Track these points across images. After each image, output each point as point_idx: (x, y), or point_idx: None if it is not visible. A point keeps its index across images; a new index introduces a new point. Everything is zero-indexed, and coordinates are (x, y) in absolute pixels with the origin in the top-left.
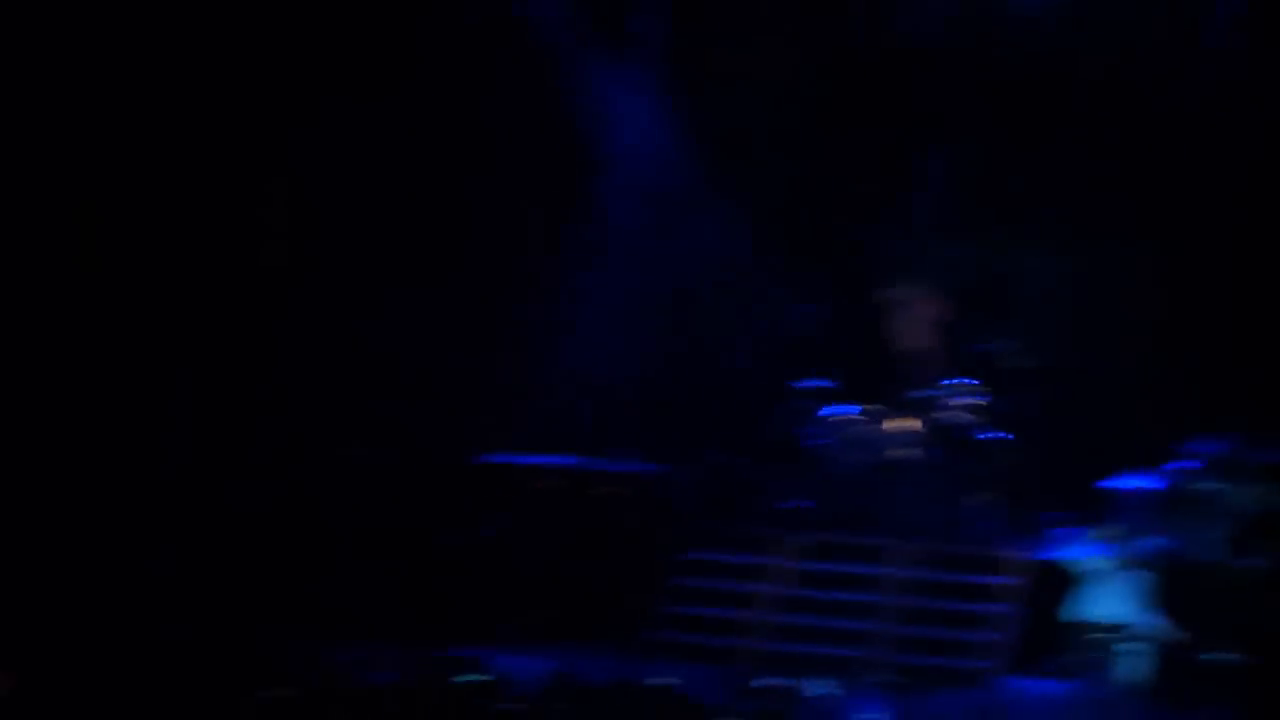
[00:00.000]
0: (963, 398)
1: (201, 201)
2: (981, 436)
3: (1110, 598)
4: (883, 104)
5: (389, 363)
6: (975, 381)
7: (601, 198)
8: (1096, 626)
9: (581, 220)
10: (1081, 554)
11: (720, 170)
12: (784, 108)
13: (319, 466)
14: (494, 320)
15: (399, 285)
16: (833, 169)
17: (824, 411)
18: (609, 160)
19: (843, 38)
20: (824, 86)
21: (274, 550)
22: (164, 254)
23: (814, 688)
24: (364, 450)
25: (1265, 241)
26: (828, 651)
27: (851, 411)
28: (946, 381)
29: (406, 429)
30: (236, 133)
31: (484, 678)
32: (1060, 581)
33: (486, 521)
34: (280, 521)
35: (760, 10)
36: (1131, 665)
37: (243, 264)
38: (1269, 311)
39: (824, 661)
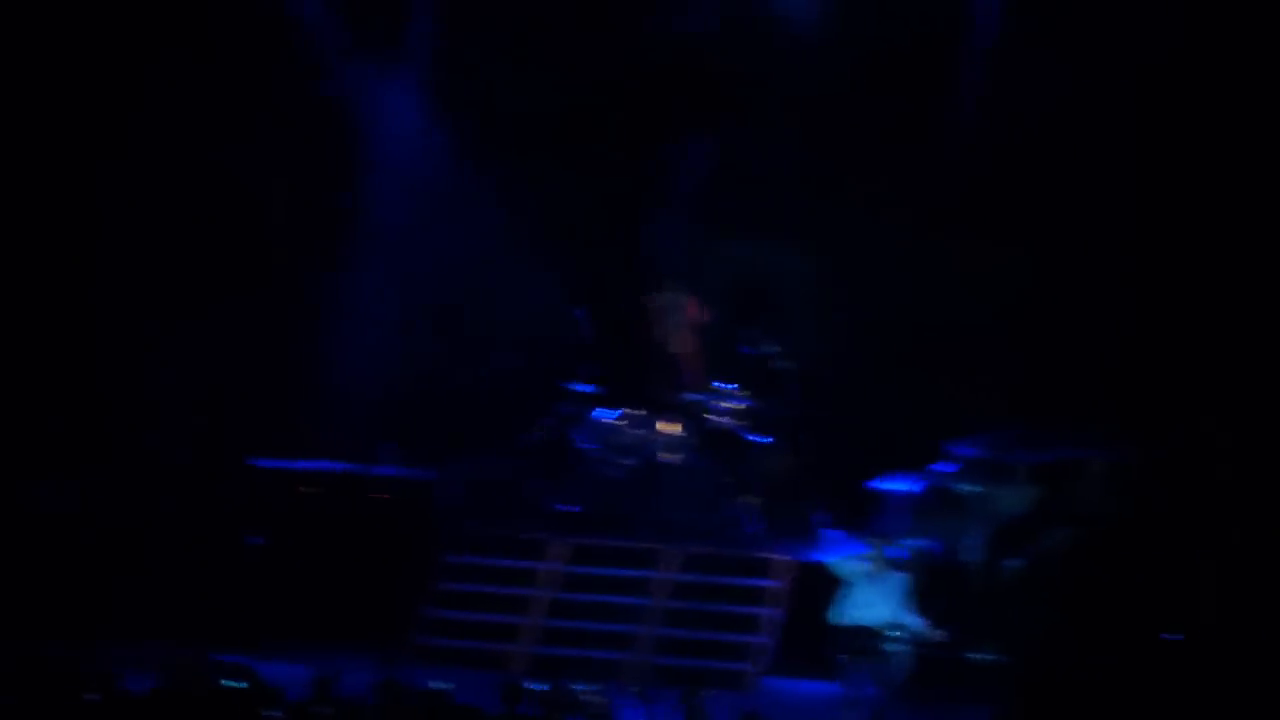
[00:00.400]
0: (729, 400)
1: None
2: (748, 439)
3: (873, 599)
4: (647, 106)
5: (160, 366)
6: (741, 384)
7: (369, 200)
8: (860, 628)
9: (348, 222)
10: (845, 556)
11: (488, 173)
12: (549, 110)
13: (97, 468)
14: (263, 323)
15: (173, 287)
16: (598, 171)
17: (592, 415)
18: (377, 162)
19: (608, 39)
20: (588, 90)
21: (42, 551)
22: None
23: (582, 691)
24: (146, 451)
25: (1032, 234)
26: (595, 655)
27: (619, 414)
28: (713, 384)
29: (175, 430)
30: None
31: (246, 684)
32: (825, 583)
33: (254, 526)
34: (51, 522)
35: (526, 15)
36: (893, 666)
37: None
38: (1036, 310)
39: (592, 665)
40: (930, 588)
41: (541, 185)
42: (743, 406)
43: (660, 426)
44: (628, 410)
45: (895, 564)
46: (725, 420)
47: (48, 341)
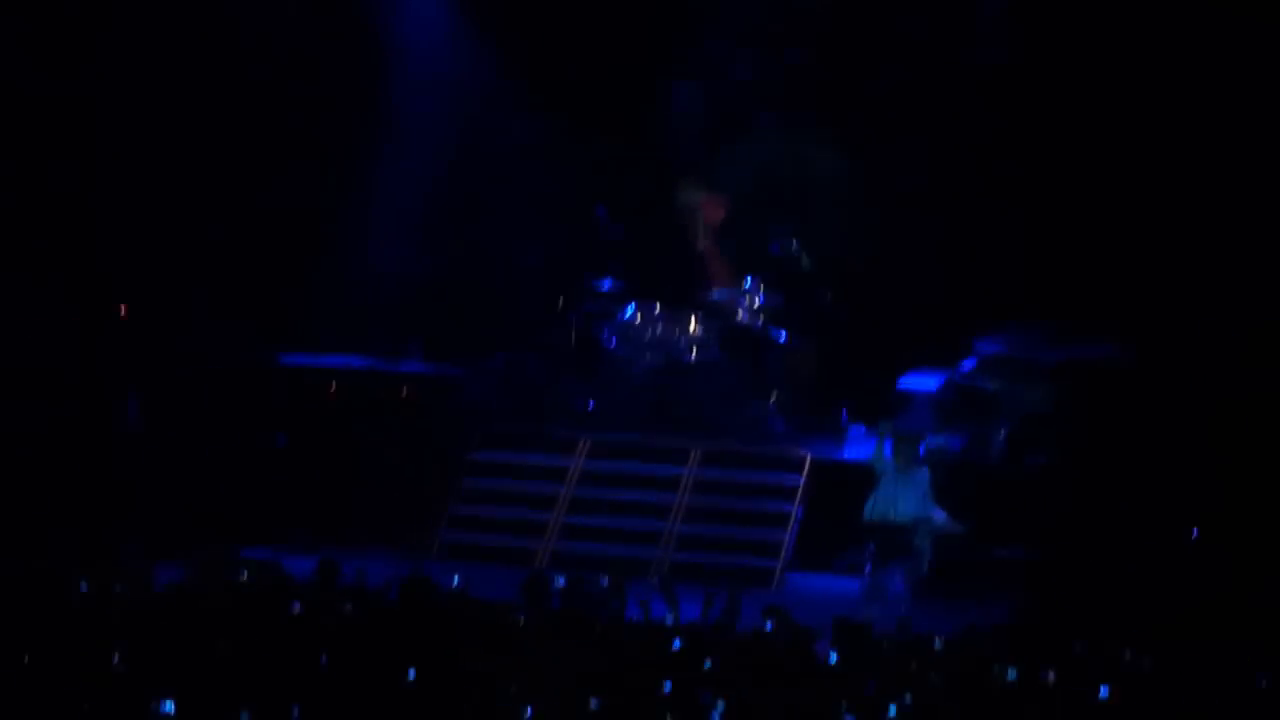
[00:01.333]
0: (755, 298)
1: None
2: (773, 336)
3: (898, 495)
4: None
5: (187, 266)
6: (767, 282)
7: (395, 98)
8: (885, 523)
9: (375, 121)
10: (871, 452)
11: (514, 72)
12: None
13: (118, 368)
14: (290, 220)
15: (201, 186)
16: (623, 70)
17: (618, 313)
18: (405, 60)
19: None
20: None
21: (67, 453)
22: None
23: (605, 586)
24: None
25: (1052, 142)
26: (619, 551)
27: (645, 312)
28: (739, 282)
29: (204, 327)
30: None
31: (273, 578)
32: (850, 479)
33: (281, 423)
34: (73, 426)
35: None
36: (918, 561)
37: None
38: (1059, 211)
39: (616, 561)
40: (954, 484)
41: (566, 84)
42: (768, 304)
43: (689, 324)
44: (654, 308)
45: (922, 460)
46: (751, 318)
47: (68, 247)
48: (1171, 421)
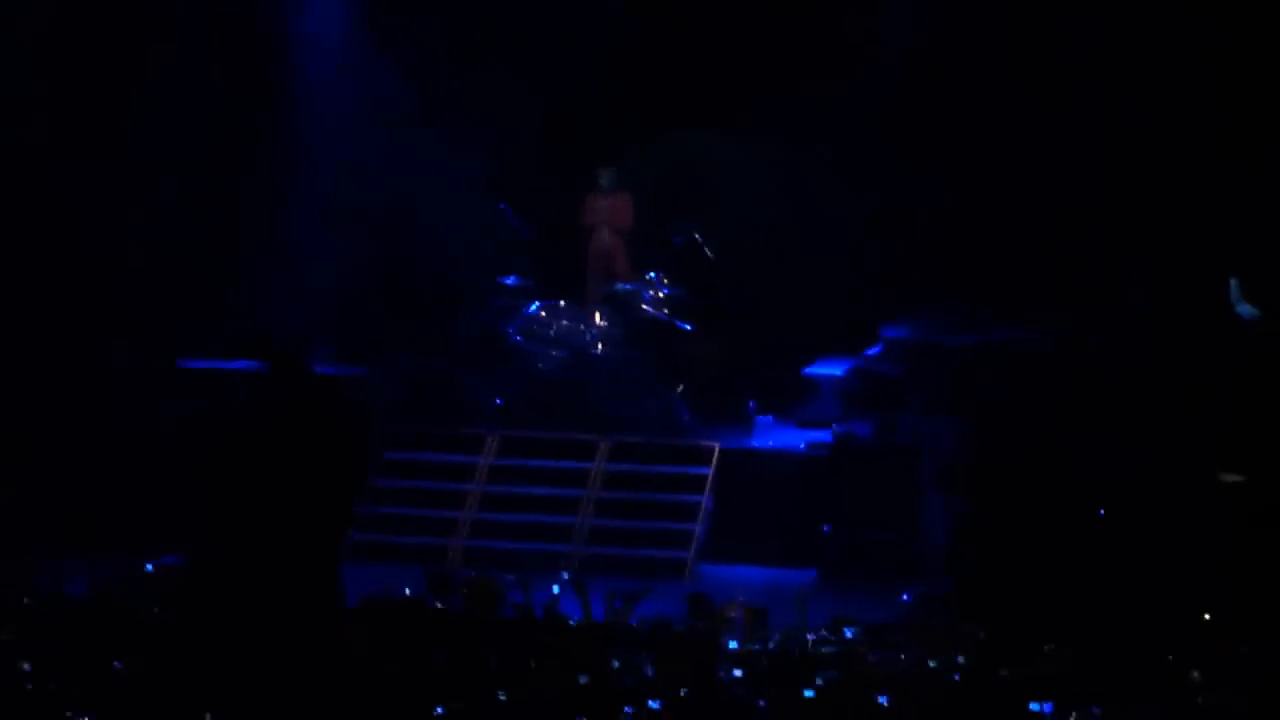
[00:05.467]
0: (659, 290)
1: None
2: (679, 328)
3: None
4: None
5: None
6: (670, 273)
7: (299, 101)
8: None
9: (280, 120)
10: (779, 440)
11: (420, 74)
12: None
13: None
14: (200, 224)
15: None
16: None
17: (523, 308)
18: (309, 61)
19: None
20: None
21: None
22: None
23: (517, 583)
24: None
25: (961, 121)
26: (531, 547)
27: (550, 308)
28: (643, 274)
29: (107, 330)
30: None
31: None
32: (759, 468)
33: (182, 424)
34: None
35: None
36: (826, 549)
37: None
38: (968, 193)
39: (528, 557)
40: (860, 473)
41: (471, 85)
42: (676, 295)
43: (594, 318)
44: (558, 303)
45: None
46: (655, 309)
47: None
48: (1085, 406)
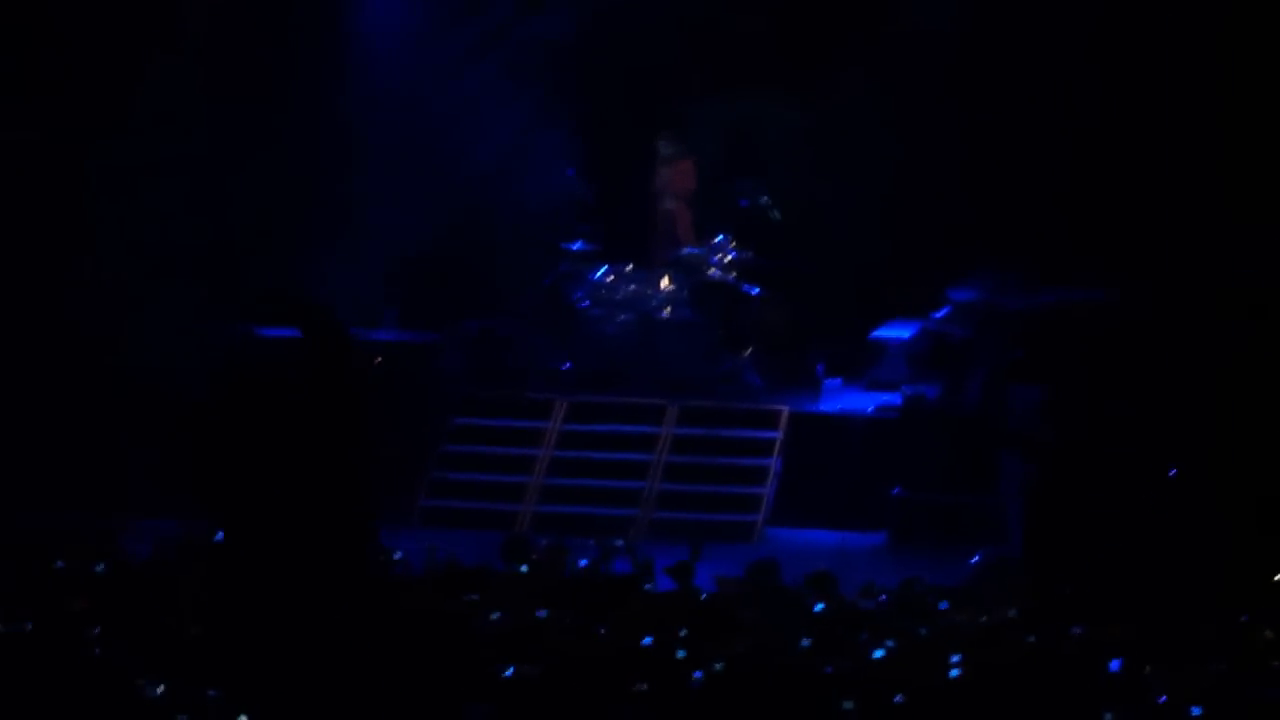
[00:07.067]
0: (727, 254)
1: None
2: (745, 291)
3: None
4: None
5: (159, 236)
6: (737, 237)
7: (365, 67)
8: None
9: (347, 88)
10: (847, 404)
11: (485, 37)
12: None
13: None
14: (266, 191)
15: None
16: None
17: (590, 273)
18: (373, 27)
19: None
20: None
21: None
22: None
23: (587, 547)
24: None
25: (1021, 87)
26: (600, 511)
27: (617, 272)
28: (710, 238)
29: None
30: None
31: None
32: (827, 431)
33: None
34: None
35: None
36: (895, 512)
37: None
38: (1031, 156)
39: (597, 521)
40: (927, 435)
41: (537, 53)
42: (743, 259)
43: (661, 282)
44: (625, 267)
45: (896, 410)
46: (723, 273)
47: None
48: (1156, 367)
